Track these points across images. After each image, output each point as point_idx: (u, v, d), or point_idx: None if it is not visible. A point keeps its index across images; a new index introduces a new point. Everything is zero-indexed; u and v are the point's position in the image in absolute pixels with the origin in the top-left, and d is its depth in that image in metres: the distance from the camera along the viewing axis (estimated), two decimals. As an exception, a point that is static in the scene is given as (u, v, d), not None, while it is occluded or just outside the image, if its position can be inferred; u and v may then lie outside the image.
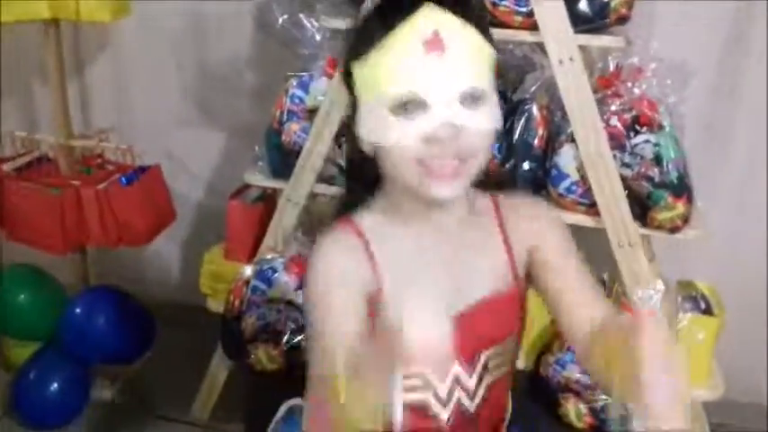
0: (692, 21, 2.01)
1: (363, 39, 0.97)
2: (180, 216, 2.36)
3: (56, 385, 2.13)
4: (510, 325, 1.10)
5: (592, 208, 1.78)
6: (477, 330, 1.05)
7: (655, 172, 1.71)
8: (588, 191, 1.76)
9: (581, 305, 1.05)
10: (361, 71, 0.98)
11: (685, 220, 1.75)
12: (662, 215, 1.73)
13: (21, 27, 2.10)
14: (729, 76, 2.09)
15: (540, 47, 1.72)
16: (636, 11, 1.75)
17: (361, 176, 1.09)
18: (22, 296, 2.21)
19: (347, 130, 1.08)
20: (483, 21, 1.00)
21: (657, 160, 1.70)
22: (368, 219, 1.07)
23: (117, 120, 2.44)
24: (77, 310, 2.15)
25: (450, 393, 1.07)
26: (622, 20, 1.71)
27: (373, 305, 1.00)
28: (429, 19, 0.93)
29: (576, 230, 1.79)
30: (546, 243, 1.10)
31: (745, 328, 2.26)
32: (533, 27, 1.68)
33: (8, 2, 1.92)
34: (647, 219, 1.76)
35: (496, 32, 1.71)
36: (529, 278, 1.12)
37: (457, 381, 1.07)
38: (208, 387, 2.19)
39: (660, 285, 1.77)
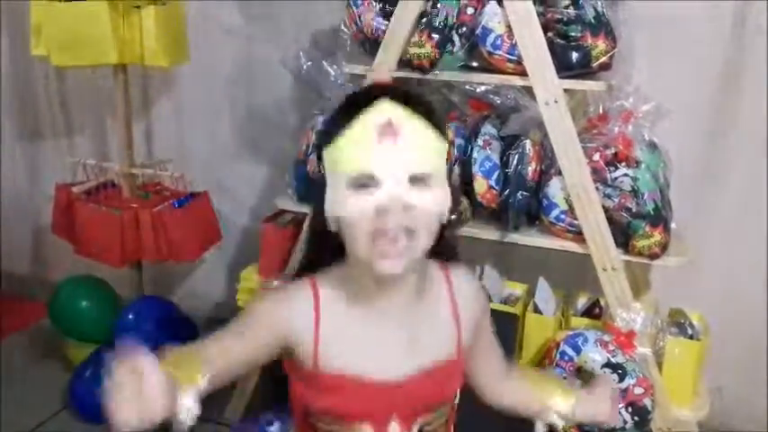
0: (686, 63, 2.17)
1: (332, 127, 1.08)
2: (226, 237, 2.62)
3: (109, 383, 2.35)
4: (446, 393, 1.19)
5: (579, 235, 1.93)
6: (414, 398, 1.14)
7: (632, 203, 1.86)
8: (575, 219, 1.92)
9: (490, 373, 1.30)
10: (328, 154, 1.08)
11: (663, 247, 1.89)
12: (641, 243, 1.88)
13: (95, 69, 2.41)
14: (723, 116, 2.23)
15: (529, 90, 1.90)
16: (625, 56, 1.90)
17: (322, 247, 1.16)
18: (82, 303, 2.46)
19: (313, 206, 1.15)
20: (432, 115, 1.09)
21: (635, 193, 1.86)
22: (327, 284, 1.14)
23: (176, 152, 2.75)
24: (130, 316, 2.37)
25: None
26: (605, 67, 1.88)
27: (294, 353, 1.13)
28: (384, 111, 1.04)
29: (569, 255, 1.98)
30: (482, 323, 1.24)
31: (747, 357, 2.36)
32: (523, 73, 1.88)
33: (83, 47, 2.19)
34: (629, 246, 1.91)
35: (492, 78, 1.94)
36: None
37: None
38: (239, 391, 2.39)
39: (639, 308, 1.93)
